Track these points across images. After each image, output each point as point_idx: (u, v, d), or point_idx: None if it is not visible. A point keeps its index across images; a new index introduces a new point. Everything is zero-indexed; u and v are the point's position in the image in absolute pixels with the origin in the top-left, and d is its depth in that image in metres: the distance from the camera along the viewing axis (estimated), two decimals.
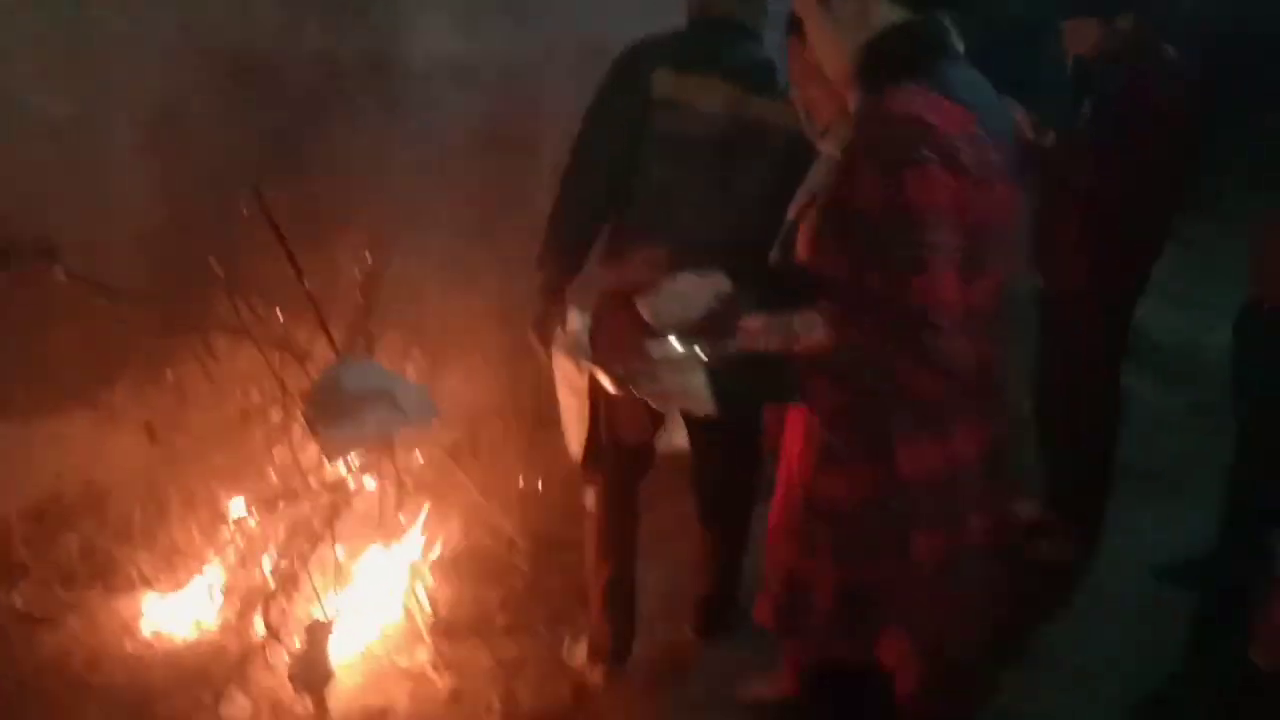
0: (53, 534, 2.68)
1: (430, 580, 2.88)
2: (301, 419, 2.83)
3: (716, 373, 1.48)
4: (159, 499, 2.83)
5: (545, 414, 3.26)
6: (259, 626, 2.68)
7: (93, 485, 2.77)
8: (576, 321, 2.39)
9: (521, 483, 3.10)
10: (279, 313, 2.90)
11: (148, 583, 2.77)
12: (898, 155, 1.42)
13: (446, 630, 2.80)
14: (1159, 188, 2.92)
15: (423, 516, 2.93)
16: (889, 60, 1.53)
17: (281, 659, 2.63)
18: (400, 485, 2.87)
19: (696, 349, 1.51)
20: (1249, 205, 3.31)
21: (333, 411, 2.76)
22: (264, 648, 2.64)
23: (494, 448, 3.05)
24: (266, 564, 2.80)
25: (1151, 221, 3.03)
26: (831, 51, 1.60)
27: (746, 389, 1.53)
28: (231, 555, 2.83)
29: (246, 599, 2.74)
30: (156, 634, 2.70)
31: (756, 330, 1.64)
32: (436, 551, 2.93)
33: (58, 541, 2.66)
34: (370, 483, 2.89)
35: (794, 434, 1.72)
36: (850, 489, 1.60)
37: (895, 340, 1.43)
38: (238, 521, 2.86)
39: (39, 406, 2.76)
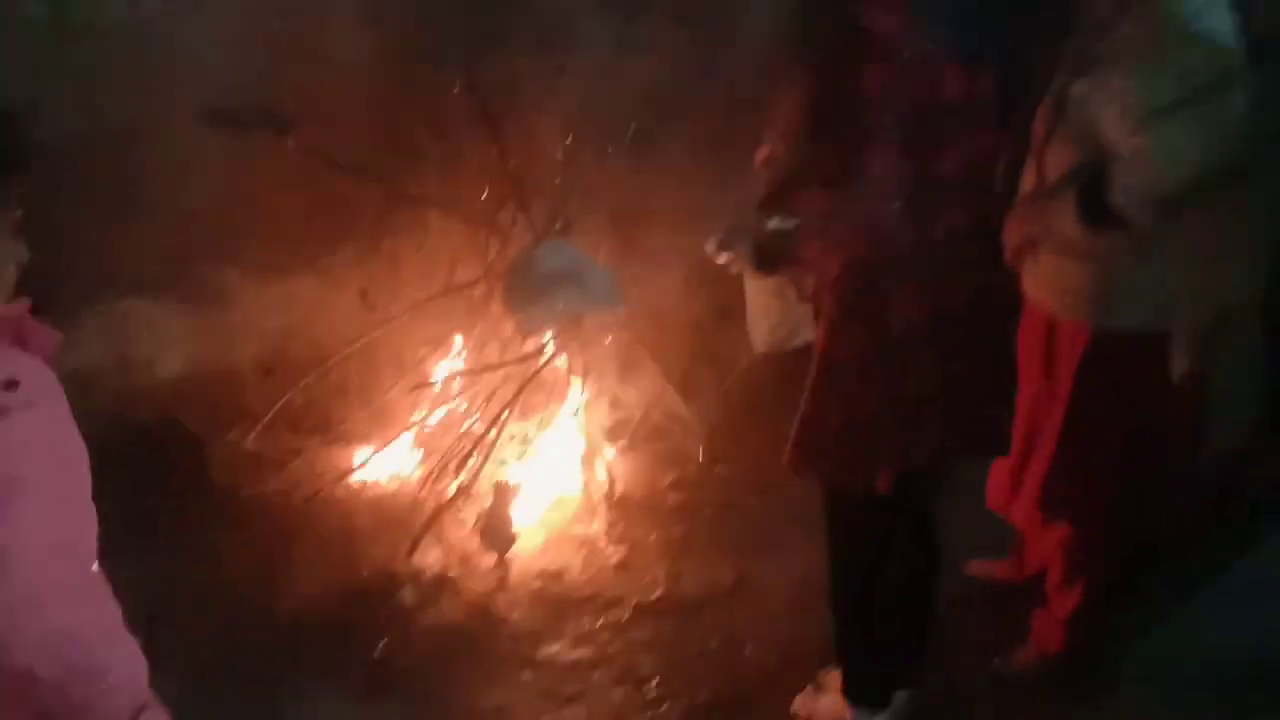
0: (280, 386, 2.97)
1: (608, 457, 3.03)
2: (499, 296, 2.99)
3: (758, 244, 2.08)
4: (373, 361, 3.08)
5: (730, 307, 3.29)
6: (453, 485, 2.91)
7: (315, 344, 3.03)
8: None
9: (702, 374, 3.16)
10: (484, 191, 3.03)
11: (361, 437, 3.06)
12: None
13: (620, 504, 2.96)
14: None
15: (605, 396, 3.06)
16: None
17: (471, 516, 2.87)
18: (586, 366, 3.00)
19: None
20: None
21: (527, 291, 2.90)
22: (456, 504, 2.88)
23: (678, 336, 3.11)
24: (463, 428, 3.02)
25: None
26: None
27: (770, 252, 2.08)
28: (433, 417, 3.07)
29: (443, 458, 2.98)
30: (364, 483, 3.00)
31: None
32: (616, 431, 3.07)
33: (284, 393, 2.95)
34: (560, 361, 3.03)
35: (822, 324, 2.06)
36: (851, 344, 1.95)
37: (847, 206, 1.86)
38: (440, 387, 3.08)
39: (269, 266, 3.03)
